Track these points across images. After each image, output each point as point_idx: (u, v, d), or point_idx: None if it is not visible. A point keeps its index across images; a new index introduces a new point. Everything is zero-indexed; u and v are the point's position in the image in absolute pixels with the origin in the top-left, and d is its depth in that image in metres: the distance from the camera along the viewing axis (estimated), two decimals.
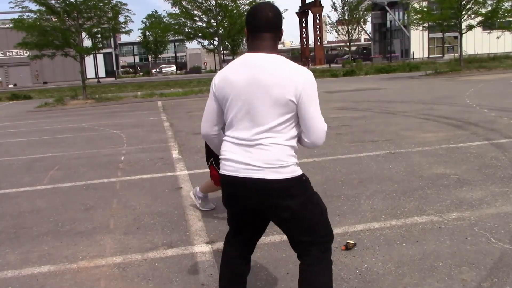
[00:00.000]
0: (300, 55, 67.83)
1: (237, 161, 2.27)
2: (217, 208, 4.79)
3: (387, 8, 63.15)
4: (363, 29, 67.93)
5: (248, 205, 2.35)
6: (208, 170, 4.45)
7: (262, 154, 2.22)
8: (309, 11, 64.59)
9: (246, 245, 2.53)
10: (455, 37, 46.63)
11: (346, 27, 58.20)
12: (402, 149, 7.07)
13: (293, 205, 2.25)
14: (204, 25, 28.70)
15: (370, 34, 71.61)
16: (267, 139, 2.23)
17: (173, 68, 72.22)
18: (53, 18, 21.85)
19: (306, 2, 65.50)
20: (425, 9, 28.47)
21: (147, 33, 67.11)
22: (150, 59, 75.26)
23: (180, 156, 7.59)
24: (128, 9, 22.71)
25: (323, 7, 63.13)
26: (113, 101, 21.30)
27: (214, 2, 27.70)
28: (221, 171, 2.36)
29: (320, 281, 2.33)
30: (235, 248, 2.51)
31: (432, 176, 5.47)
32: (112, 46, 62.02)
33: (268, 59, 2.24)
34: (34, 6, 21.17)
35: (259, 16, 2.26)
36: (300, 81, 2.20)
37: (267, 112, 2.21)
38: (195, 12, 28.49)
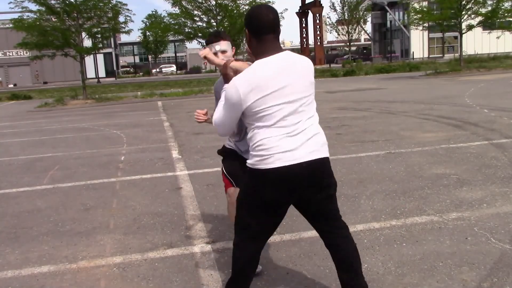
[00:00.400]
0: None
1: (295, 148, 2.40)
2: (217, 208, 4.79)
3: (387, 8, 63.13)
4: (363, 29, 67.92)
5: (305, 191, 2.48)
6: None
7: (317, 137, 2.47)
8: (309, 11, 64.57)
9: (264, 241, 2.66)
10: (455, 37, 46.65)
11: (346, 27, 58.22)
12: (402, 149, 7.07)
13: (334, 181, 2.59)
14: (204, 25, 28.71)
15: (370, 34, 71.61)
16: (313, 123, 2.48)
17: (173, 68, 72.18)
18: (53, 18, 21.85)
19: (306, 2, 65.48)
20: (425, 9, 28.47)
21: (147, 33, 67.10)
22: (150, 59, 75.26)
23: (180, 156, 7.59)
24: (128, 9, 22.73)
25: (323, 7, 63.12)
26: (113, 101, 21.30)
27: (214, 2, 27.72)
28: (280, 164, 2.38)
29: (354, 244, 2.67)
30: (256, 246, 2.62)
31: (432, 176, 5.47)
32: (112, 46, 62.00)
33: (294, 55, 2.48)
34: (34, 6, 21.20)
35: (266, 18, 2.42)
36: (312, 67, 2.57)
37: (310, 101, 2.49)
38: (195, 12, 28.51)
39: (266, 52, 2.41)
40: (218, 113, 2.55)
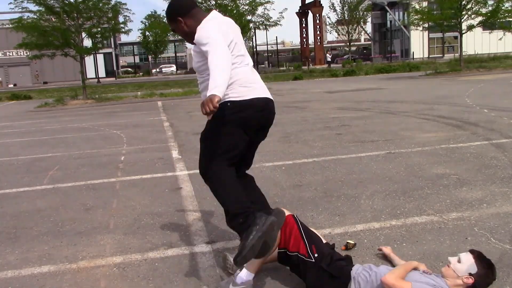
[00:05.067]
0: (300, 55, 67.84)
1: (263, 86, 3.05)
2: (217, 208, 4.79)
3: (387, 8, 63.16)
4: (363, 29, 67.91)
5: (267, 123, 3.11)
6: None
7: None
8: (309, 11, 64.57)
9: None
10: (455, 37, 46.65)
11: (346, 27, 58.20)
12: (402, 149, 7.07)
13: None
14: None
15: (370, 34, 71.61)
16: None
17: (173, 68, 72.11)
18: (52, 18, 21.85)
19: (306, 2, 65.48)
20: (425, 9, 28.46)
21: (147, 33, 67.07)
22: (150, 59, 75.22)
23: (180, 156, 7.59)
24: (127, 9, 22.74)
25: (323, 7, 63.11)
26: (113, 101, 21.30)
27: (214, 2, 27.71)
28: (256, 96, 2.93)
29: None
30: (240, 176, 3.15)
31: (432, 176, 5.47)
32: (112, 46, 62.01)
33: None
34: (33, 7, 21.19)
35: None
36: None
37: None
38: None
39: (202, 16, 2.94)
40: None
